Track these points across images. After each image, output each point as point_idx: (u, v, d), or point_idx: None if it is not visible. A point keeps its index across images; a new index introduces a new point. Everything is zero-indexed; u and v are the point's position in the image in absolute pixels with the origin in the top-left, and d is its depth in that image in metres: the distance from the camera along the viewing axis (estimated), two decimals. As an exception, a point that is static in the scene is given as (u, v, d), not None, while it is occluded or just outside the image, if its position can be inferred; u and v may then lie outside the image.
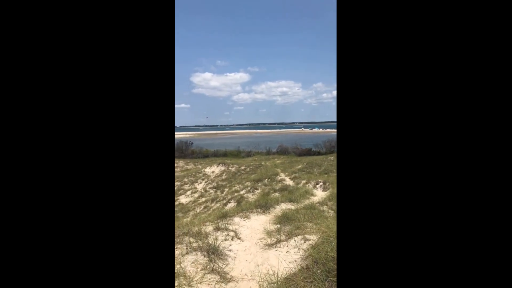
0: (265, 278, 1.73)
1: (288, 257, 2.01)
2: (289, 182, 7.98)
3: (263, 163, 13.80)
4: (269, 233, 2.58)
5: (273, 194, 6.36)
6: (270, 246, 2.31)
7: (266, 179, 8.86)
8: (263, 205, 3.61)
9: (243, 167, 12.89)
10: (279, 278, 1.67)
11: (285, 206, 3.72)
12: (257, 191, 7.98)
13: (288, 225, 2.66)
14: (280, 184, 7.78)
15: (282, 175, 9.14)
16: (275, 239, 2.40)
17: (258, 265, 1.97)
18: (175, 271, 1.70)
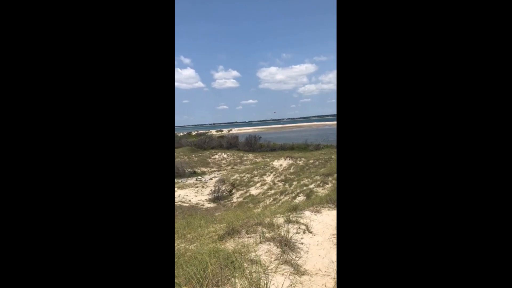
0: (341, 276, 1.65)
1: (366, 257, 1.87)
2: (363, 176, 7.41)
3: (333, 156, 13.18)
4: (343, 230, 2.45)
5: (345, 189, 6.01)
6: (344, 243, 2.19)
7: (337, 173, 8.45)
8: (335, 200, 3.44)
9: (311, 161, 12.61)
10: (356, 278, 1.56)
11: (359, 202, 3.46)
12: (327, 185, 7.70)
13: (365, 223, 2.47)
14: (352, 179, 7.30)
15: (355, 169, 8.54)
16: (350, 237, 2.26)
17: (332, 261, 1.90)
18: (250, 258, 1.79)
